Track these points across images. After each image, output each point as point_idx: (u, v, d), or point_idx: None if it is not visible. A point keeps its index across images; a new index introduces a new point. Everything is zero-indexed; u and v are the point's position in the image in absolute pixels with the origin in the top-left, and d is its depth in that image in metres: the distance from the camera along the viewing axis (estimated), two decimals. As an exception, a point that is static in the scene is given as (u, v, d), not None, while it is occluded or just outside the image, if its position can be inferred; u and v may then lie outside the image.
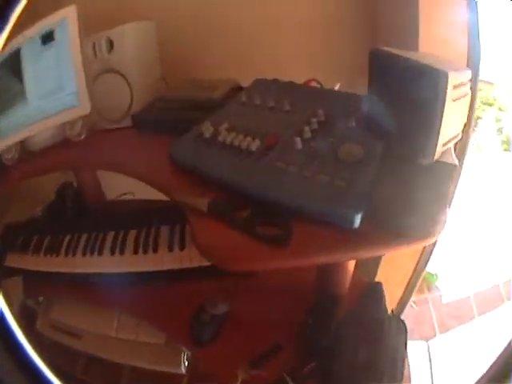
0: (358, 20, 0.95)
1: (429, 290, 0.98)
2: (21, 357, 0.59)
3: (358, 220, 0.55)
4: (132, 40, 1.01)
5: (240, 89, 0.96)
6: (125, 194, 1.15)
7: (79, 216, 1.13)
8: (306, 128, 0.74)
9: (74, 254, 1.02)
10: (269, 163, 0.67)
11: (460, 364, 0.81)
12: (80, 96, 1.00)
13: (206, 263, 0.86)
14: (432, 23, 0.81)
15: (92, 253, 0.98)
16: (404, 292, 0.90)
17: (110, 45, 1.01)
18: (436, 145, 0.57)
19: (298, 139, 0.70)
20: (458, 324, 0.97)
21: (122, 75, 1.01)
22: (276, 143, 0.71)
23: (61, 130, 1.07)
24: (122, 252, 0.96)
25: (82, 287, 0.98)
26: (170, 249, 0.93)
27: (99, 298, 0.96)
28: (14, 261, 1.11)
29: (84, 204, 1.15)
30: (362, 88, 0.70)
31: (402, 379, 0.64)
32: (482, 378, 0.51)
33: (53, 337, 1.09)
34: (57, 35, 1.00)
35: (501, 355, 0.50)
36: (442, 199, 0.59)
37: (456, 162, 0.62)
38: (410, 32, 0.82)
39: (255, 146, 0.71)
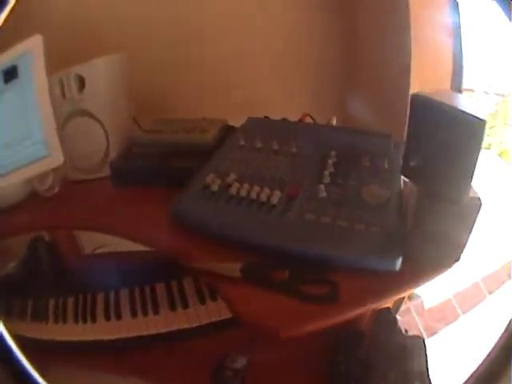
0: (334, 51, 0.90)
1: (409, 298, 0.98)
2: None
3: (399, 263, 0.55)
4: (104, 77, 0.87)
5: (230, 129, 0.86)
6: (101, 247, 1.02)
7: (58, 275, 0.99)
8: (325, 173, 0.69)
9: (64, 321, 0.89)
10: (298, 216, 0.62)
11: (453, 362, 0.81)
12: (50, 144, 0.85)
13: (215, 319, 0.80)
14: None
15: (85, 320, 0.86)
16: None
17: (81, 83, 0.87)
18: (470, 185, 0.56)
19: (321, 187, 0.66)
20: (444, 325, 0.98)
21: (95, 118, 0.88)
22: (298, 193, 0.66)
23: (29, 184, 0.92)
24: (118, 316, 0.85)
25: (79, 353, 0.86)
26: (172, 308, 0.84)
27: (99, 363, 0.84)
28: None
29: (60, 261, 1.01)
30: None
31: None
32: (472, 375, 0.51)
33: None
34: (20, 71, 0.85)
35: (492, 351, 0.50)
36: (470, 229, 0.58)
37: (478, 194, 0.61)
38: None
39: (276, 198, 0.65)
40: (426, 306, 0.99)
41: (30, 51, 0.84)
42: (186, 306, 0.82)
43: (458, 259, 0.58)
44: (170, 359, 0.81)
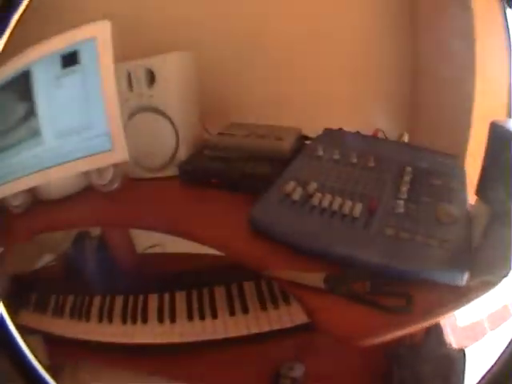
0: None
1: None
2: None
3: (466, 278, 0.59)
4: (177, 73, 0.84)
5: (304, 138, 0.85)
6: (153, 246, 0.99)
7: (106, 273, 0.97)
8: (403, 189, 0.71)
9: (110, 321, 0.88)
10: (379, 230, 0.63)
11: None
12: (115, 138, 0.82)
13: (276, 327, 0.81)
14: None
15: (134, 321, 0.85)
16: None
17: (150, 77, 0.83)
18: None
19: (400, 202, 0.67)
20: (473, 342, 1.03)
21: (165, 115, 0.83)
22: (377, 207, 0.67)
23: (84, 177, 0.89)
24: (172, 319, 0.84)
25: (120, 354, 0.86)
26: (231, 313, 0.83)
27: (148, 368, 0.83)
28: (30, 320, 0.96)
29: (110, 259, 0.99)
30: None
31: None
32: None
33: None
34: (83, 58, 0.81)
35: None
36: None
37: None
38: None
39: (358, 211, 0.65)
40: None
41: (95, 37, 0.79)
42: (246, 311, 0.82)
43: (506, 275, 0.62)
44: (225, 366, 0.80)
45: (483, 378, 0.60)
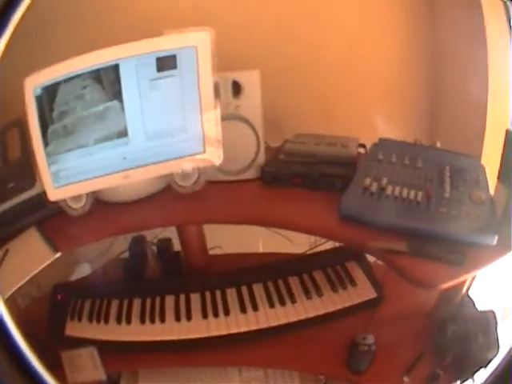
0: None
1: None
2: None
3: (496, 239, 0.77)
4: (258, 87, 0.92)
5: (361, 146, 1.01)
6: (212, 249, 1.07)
7: (171, 275, 1.03)
8: (446, 180, 0.90)
9: (188, 319, 0.93)
10: (436, 210, 0.82)
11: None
12: (210, 142, 0.88)
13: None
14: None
15: (216, 315, 0.92)
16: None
17: (237, 88, 0.92)
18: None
19: (446, 190, 0.87)
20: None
21: (249, 124, 0.93)
22: (431, 194, 0.86)
23: (164, 179, 0.93)
24: (255, 307, 0.93)
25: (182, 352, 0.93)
26: (308, 297, 0.94)
27: (239, 356, 0.92)
28: (85, 331, 0.98)
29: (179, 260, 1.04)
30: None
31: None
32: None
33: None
34: (181, 63, 0.85)
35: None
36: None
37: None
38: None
39: (420, 197, 0.84)
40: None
41: (195, 45, 0.85)
42: (321, 294, 0.94)
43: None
44: (303, 345, 0.91)
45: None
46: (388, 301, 0.95)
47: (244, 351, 0.91)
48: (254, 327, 0.91)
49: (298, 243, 1.05)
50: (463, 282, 0.85)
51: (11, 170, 1.06)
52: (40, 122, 0.88)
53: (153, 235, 1.11)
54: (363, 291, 0.94)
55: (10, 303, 0.89)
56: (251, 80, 0.93)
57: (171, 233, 1.08)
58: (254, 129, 0.94)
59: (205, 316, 0.93)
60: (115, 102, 0.88)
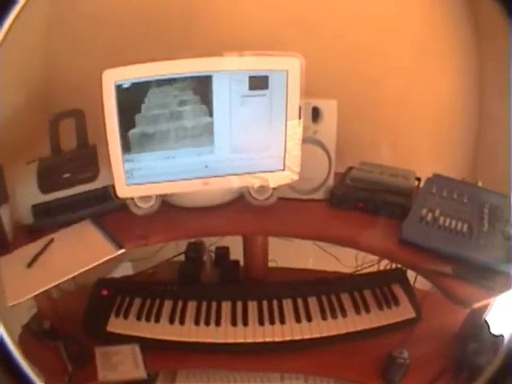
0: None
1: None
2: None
3: None
4: (336, 115, 0.99)
5: (416, 179, 1.10)
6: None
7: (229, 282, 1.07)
8: (485, 216, 1.00)
9: (245, 324, 0.97)
10: (477, 241, 0.93)
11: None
12: (290, 161, 0.95)
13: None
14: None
15: (261, 322, 0.98)
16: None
17: (316, 114, 0.99)
18: None
19: (485, 225, 0.98)
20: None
21: (324, 148, 1.00)
22: (473, 227, 0.96)
23: (236, 191, 1.00)
24: (308, 318, 0.98)
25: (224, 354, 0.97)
26: (357, 312, 1.00)
27: (246, 366, 0.98)
28: (126, 327, 1.00)
29: (237, 268, 1.08)
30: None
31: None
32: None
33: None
34: (272, 84, 0.91)
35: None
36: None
37: None
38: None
39: (465, 229, 0.94)
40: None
41: (286, 69, 0.91)
42: (368, 310, 1.00)
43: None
44: (345, 355, 0.98)
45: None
46: (423, 320, 1.04)
47: (290, 358, 0.96)
48: (307, 336, 0.96)
49: (345, 263, 1.14)
50: (488, 305, 0.95)
51: (67, 161, 1.08)
52: (120, 118, 0.90)
53: (208, 242, 1.16)
54: (404, 311, 1.01)
55: (42, 294, 0.93)
56: (330, 108, 1.00)
57: (227, 242, 1.14)
58: (328, 153, 1.01)
59: (261, 323, 0.98)
60: (206, 113, 0.92)
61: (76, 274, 0.91)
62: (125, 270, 1.29)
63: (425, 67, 1.17)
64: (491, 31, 1.11)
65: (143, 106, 0.91)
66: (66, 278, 0.91)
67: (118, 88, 0.88)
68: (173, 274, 1.11)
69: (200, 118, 0.93)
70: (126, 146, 0.92)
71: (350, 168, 1.09)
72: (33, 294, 0.89)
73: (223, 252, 1.15)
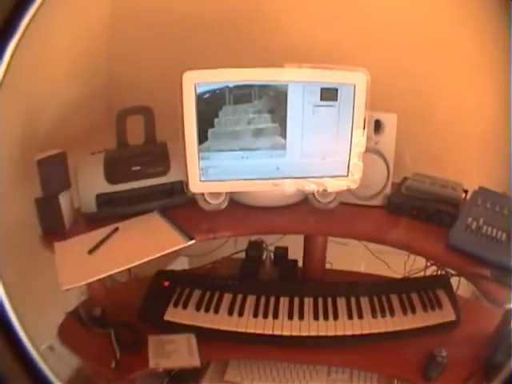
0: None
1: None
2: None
3: None
4: (395, 127, 1.08)
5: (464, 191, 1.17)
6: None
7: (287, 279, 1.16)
8: None
9: (301, 318, 1.06)
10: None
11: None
12: (353, 168, 1.03)
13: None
14: None
15: (316, 317, 1.06)
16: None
17: (377, 126, 1.07)
18: None
19: None
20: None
21: (384, 158, 1.08)
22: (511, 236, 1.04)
23: (301, 193, 1.07)
24: (360, 316, 1.07)
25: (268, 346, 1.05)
26: (405, 313, 1.08)
27: (298, 359, 1.06)
28: (184, 317, 1.08)
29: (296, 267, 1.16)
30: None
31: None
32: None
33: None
34: (341, 96, 1.00)
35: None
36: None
37: None
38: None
39: (504, 237, 1.01)
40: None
41: (354, 83, 0.99)
42: (414, 311, 1.09)
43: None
44: (390, 352, 1.05)
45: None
46: (461, 324, 1.12)
47: (340, 352, 1.04)
48: (357, 332, 1.04)
49: (394, 270, 1.22)
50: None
51: (137, 154, 1.14)
52: (197, 119, 0.98)
53: (268, 242, 1.24)
54: (446, 314, 1.09)
55: (98, 281, 1.00)
56: (391, 121, 1.08)
57: (286, 243, 1.22)
58: (387, 163, 1.10)
59: (316, 318, 1.05)
60: (281, 118, 1.01)
61: (144, 261, 0.96)
62: (181, 264, 1.36)
63: (476, 84, 1.24)
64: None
65: (220, 112, 0.99)
66: (133, 265, 0.95)
67: (198, 90, 0.96)
68: (232, 270, 1.20)
69: (275, 123, 1.01)
70: (202, 145, 1.00)
71: (405, 178, 1.17)
72: (94, 279, 0.93)
73: (282, 252, 1.23)
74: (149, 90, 1.26)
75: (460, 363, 1.03)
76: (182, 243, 1.00)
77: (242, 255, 1.27)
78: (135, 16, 1.33)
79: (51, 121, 1.22)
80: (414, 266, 1.20)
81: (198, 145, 1.00)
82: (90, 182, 1.09)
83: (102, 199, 1.09)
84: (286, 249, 1.24)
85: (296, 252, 1.21)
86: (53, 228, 1.07)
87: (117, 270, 0.94)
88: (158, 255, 0.97)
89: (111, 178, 1.09)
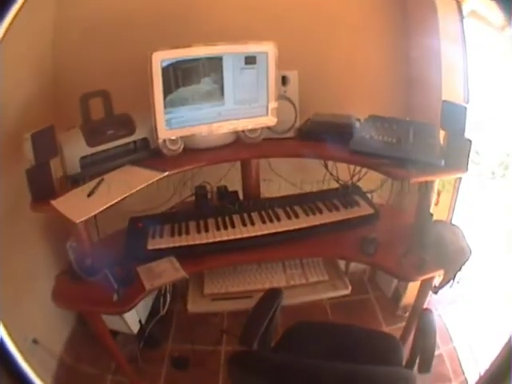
0: None
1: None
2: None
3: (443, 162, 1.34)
4: (297, 80, 1.54)
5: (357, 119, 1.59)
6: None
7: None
8: (410, 134, 1.63)
9: (252, 224, 1.47)
10: (403, 146, 1.41)
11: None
12: (270, 110, 1.48)
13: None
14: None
15: (264, 221, 1.48)
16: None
17: (284, 80, 1.53)
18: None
19: (411, 137, 1.59)
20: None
21: (292, 102, 1.54)
22: (401, 139, 1.56)
23: (235, 133, 1.52)
24: (296, 216, 1.49)
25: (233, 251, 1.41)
26: (330, 210, 1.51)
27: (260, 257, 1.45)
28: (163, 243, 1.43)
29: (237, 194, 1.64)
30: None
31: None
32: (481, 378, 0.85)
33: (214, 308, 1.48)
34: (258, 61, 1.44)
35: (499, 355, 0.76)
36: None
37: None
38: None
39: (394, 140, 1.44)
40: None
41: (267, 52, 1.44)
42: (338, 209, 1.54)
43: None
44: (331, 241, 1.45)
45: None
46: (382, 220, 1.51)
47: (289, 248, 1.43)
48: (298, 226, 1.46)
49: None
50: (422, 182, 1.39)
51: (108, 123, 1.46)
52: (163, 85, 1.36)
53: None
54: (365, 209, 1.54)
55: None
56: (293, 76, 1.55)
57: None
58: (294, 105, 1.56)
59: (263, 222, 1.47)
60: (219, 81, 1.44)
61: (139, 188, 1.28)
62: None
63: (362, 44, 1.72)
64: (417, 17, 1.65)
65: (179, 79, 1.39)
66: (128, 194, 1.25)
67: (163, 65, 1.33)
68: (187, 209, 1.60)
69: (216, 85, 1.44)
70: (166, 104, 1.38)
71: (309, 119, 1.62)
72: (104, 207, 1.21)
73: (223, 189, 1.66)
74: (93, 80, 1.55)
75: (390, 244, 1.41)
76: (159, 175, 1.34)
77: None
78: (80, 16, 1.57)
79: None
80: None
81: (164, 103, 1.37)
82: (74, 148, 1.36)
83: (85, 160, 1.39)
84: (226, 186, 1.66)
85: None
86: (44, 192, 1.27)
87: (120, 198, 1.23)
88: (146, 184, 1.30)
89: (91, 141, 1.38)
